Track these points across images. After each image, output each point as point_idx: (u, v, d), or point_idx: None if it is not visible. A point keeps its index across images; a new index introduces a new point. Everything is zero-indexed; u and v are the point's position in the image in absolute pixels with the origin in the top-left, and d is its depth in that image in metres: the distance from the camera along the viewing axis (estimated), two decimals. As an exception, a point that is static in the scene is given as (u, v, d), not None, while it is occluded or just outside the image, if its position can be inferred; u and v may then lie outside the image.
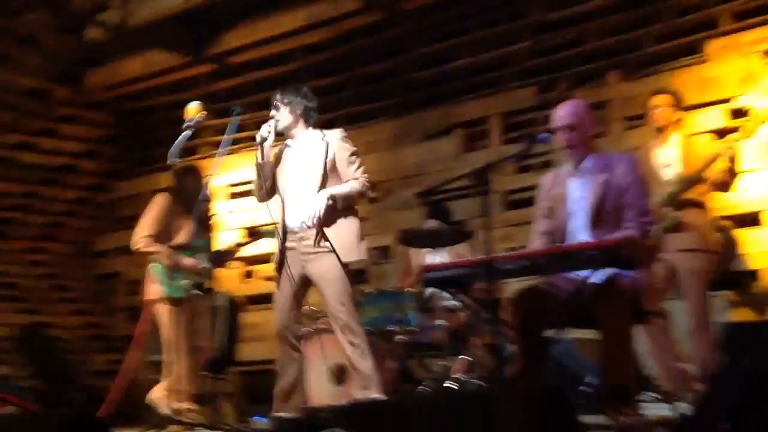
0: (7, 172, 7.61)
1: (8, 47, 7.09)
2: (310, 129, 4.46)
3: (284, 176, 4.46)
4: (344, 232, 4.35)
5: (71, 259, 8.01)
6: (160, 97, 7.94)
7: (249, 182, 7.39)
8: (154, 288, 5.04)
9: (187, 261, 5.07)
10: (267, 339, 7.10)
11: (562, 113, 3.78)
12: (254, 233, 5.61)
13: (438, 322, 4.94)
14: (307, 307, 5.35)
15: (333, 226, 4.34)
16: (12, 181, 7.63)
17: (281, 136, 4.47)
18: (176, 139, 4.66)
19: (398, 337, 4.89)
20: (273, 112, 4.44)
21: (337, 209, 4.32)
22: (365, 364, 4.14)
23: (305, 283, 4.45)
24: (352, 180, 4.34)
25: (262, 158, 4.39)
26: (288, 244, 4.39)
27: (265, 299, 7.30)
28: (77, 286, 8.02)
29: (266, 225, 5.34)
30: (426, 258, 5.43)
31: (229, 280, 7.34)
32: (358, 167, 4.37)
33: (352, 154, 4.38)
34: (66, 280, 8.00)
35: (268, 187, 4.50)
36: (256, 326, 7.19)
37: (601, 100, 6.15)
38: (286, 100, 4.41)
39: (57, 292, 7.93)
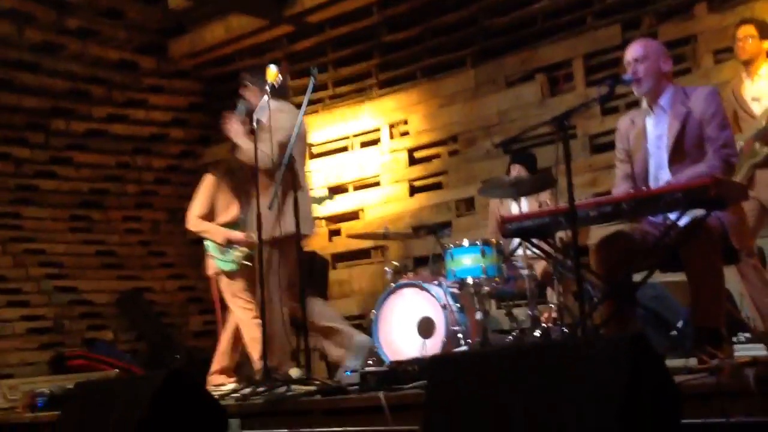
0: (101, 145, 7.87)
1: (95, 21, 7.27)
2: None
3: None
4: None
5: (165, 225, 8.25)
6: (242, 62, 8.02)
7: (330, 141, 7.54)
8: (211, 263, 5.35)
9: (237, 235, 5.29)
10: (354, 295, 7.20)
11: (631, 49, 3.66)
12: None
13: (523, 271, 4.87)
14: (393, 263, 5.40)
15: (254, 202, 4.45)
16: (106, 153, 7.88)
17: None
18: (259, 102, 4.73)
19: (484, 288, 4.85)
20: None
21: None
22: None
23: None
24: None
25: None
26: None
27: (352, 256, 7.39)
28: (172, 252, 8.27)
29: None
30: (509, 208, 5.35)
31: (316, 238, 7.43)
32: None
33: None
34: (161, 246, 8.26)
35: None
36: (344, 283, 7.29)
37: (689, 35, 5.88)
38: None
39: (153, 258, 8.20)
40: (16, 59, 7.04)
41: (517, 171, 5.48)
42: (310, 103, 4.97)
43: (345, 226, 7.43)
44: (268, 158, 4.44)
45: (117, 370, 6.55)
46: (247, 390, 4.15)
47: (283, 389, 3.98)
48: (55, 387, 5.39)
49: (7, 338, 7.03)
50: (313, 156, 7.67)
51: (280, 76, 4.81)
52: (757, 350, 3.80)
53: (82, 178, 7.62)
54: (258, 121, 4.62)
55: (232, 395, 4.24)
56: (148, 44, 7.81)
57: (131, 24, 7.52)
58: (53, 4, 6.91)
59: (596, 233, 4.73)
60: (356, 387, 3.83)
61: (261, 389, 4.07)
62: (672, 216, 3.36)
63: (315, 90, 5.04)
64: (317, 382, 4.15)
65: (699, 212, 3.26)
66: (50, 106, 7.46)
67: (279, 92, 4.62)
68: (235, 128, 4.61)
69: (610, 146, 5.50)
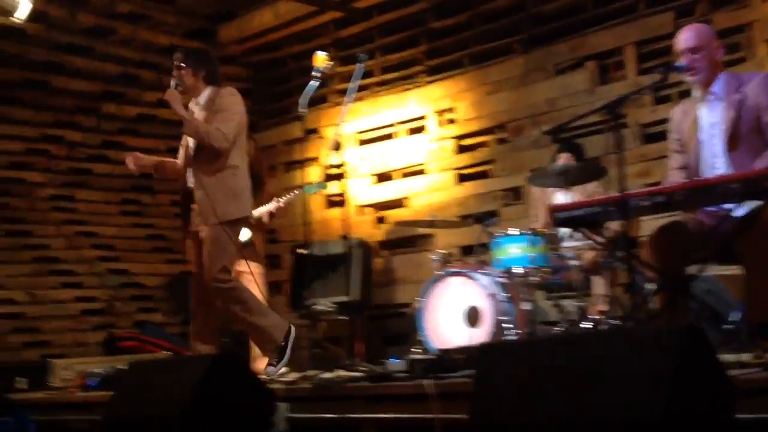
0: (151, 129, 7.97)
1: (146, 6, 7.35)
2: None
3: None
4: (210, 192, 4.45)
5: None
6: (289, 48, 8.06)
7: (376, 128, 7.54)
8: None
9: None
10: (399, 283, 7.21)
11: (684, 36, 3.59)
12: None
13: (572, 262, 4.83)
14: (439, 251, 5.40)
15: (204, 185, 4.47)
16: (156, 138, 7.98)
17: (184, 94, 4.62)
18: (305, 89, 4.74)
19: (532, 279, 4.82)
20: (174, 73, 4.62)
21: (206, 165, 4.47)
22: None
23: None
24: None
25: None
26: None
27: (396, 244, 7.39)
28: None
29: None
30: (557, 197, 5.31)
31: (362, 225, 7.46)
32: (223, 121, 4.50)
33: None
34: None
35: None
36: (389, 271, 7.29)
37: (743, 23, 5.75)
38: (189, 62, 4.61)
39: (202, 242, 8.29)
40: (69, 43, 7.16)
41: (564, 160, 5.43)
42: (357, 90, 4.99)
43: (390, 214, 7.43)
44: (224, 138, 4.47)
45: (166, 352, 6.66)
46: (296, 375, 4.20)
47: (330, 374, 4.02)
48: (107, 367, 5.51)
49: (61, 319, 7.18)
50: (360, 143, 7.68)
51: (329, 62, 4.84)
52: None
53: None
54: (197, 103, 4.66)
55: (281, 379, 4.30)
56: (197, 29, 7.87)
57: (181, 9, 7.59)
58: (107, -12, 7.02)
59: (647, 225, 4.67)
60: (403, 374, 3.84)
61: (309, 374, 4.11)
62: (728, 206, 3.31)
63: (361, 77, 5.05)
64: (364, 368, 4.18)
65: (756, 203, 3.20)
66: (101, 90, 7.57)
67: (212, 79, 4.66)
68: (178, 101, 4.56)
69: (662, 136, 5.42)
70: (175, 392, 3.57)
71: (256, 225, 5.50)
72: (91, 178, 7.62)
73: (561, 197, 4.95)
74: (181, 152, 4.74)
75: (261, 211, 5.50)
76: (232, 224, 4.52)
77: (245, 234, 5.30)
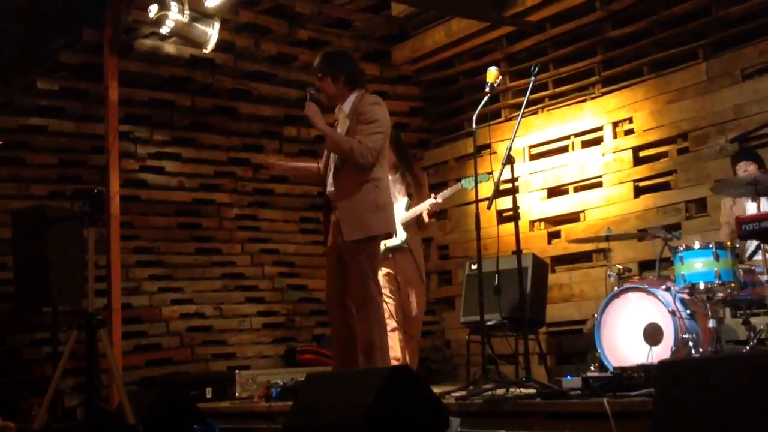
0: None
1: (324, 32, 7.64)
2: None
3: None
4: (352, 205, 4.33)
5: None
6: (461, 65, 8.10)
7: (549, 142, 7.41)
8: None
9: None
10: (574, 299, 7.03)
11: None
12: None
13: (762, 277, 4.52)
14: (616, 266, 5.21)
15: (347, 197, 4.33)
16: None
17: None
18: (478, 104, 4.73)
19: (717, 294, 4.55)
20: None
21: (349, 177, 4.33)
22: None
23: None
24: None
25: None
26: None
27: (571, 260, 7.22)
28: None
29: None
30: (745, 208, 4.99)
31: (535, 241, 7.35)
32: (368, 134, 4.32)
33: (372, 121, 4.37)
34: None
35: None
36: (563, 287, 7.13)
37: None
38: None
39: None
40: (254, 71, 7.55)
41: (744, 168, 5.12)
42: (529, 104, 4.92)
43: (565, 229, 7.27)
44: (369, 152, 4.31)
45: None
46: (468, 390, 4.18)
47: (502, 391, 3.97)
48: (287, 379, 5.73)
49: (245, 332, 7.55)
50: (532, 157, 7.58)
51: (500, 77, 4.81)
52: None
53: (311, 183, 8.02)
54: (341, 110, 4.52)
55: (453, 394, 4.29)
56: (372, 51, 8.09)
57: (357, 33, 7.83)
58: (286, 16, 7.34)
59: None
60: (578, 392, 3.74)
61: (481, 390, 4.08)
62: None
63: (534, 91, 4.98)
64: (538, 385, 4.10)
65: None
66: (284, 114, 7.93)
67: (354, 82, 4.50)
68: (318, 116, 4.39)
69: None
70: (351, 404, 3.65)
71: (414, 225, 5.50)
72: (273, 198, 7.98)
73: (751, 207, 4.64)
74: (323, 159, 4.62)
75: (418, 209, 5.47)
76: (374, 239, 4.43)
77: (397, 240, 5.33)
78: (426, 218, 5.50)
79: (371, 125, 4.35)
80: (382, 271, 5.30)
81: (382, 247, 5.26)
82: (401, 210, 5.44)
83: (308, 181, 4.88)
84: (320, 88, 4.51)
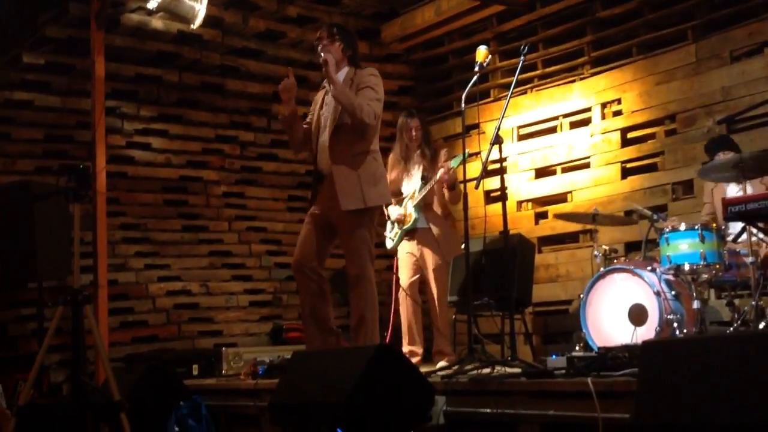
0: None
1: (313, 9, 7.58)
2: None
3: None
4: (352, 176, 4.40)
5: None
6: (451, 44, 8.07)
7: (538, 122, 7.41)
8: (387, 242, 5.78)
9: (393, 212, 5.58)
10: (561, 280, 7.06)
11: None
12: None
13: (747, 259, 4.54)
14: (603, 247, 5.23)
15: (345, 167, 4.38)
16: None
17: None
18: (467, 84, 4.72)
19: (702, 276, 4.58)
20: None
21: (346, 147, 4.39)
22: None
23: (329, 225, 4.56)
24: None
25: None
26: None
27: (557, 240, 7.24)
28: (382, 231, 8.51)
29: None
30: (726, 191, 5.01)
31: (522, 221, 7.36)
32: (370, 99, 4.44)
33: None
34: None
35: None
36: (550, 267, 7.16)
37: None
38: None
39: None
40: (242, 47, 7.50)
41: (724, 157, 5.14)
42: (519, 84, 4.90)
43: (552, 209, 7.28)
44: (374, 114, 4.45)
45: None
46: (453, 368, 4.21)
47: (488, 370, 4.00)
48: (274, 356, 5.75)
49: (232, 310, 7.55)
50: (520, 138, 7.58)
51: (489, 56, 4.81)
52: None
53: (299, 161, 7.97)
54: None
55: (438, 373, 4.32)
56: (361, 29, 8.03)
57: (346, 10, 7.77)
58: (275, -8, 7.30)
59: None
60: (563, 371, 3.77)
61: (467, 368, 4.11)
62: None
63: (524, 71, 4.97)
64: (523, 364, 4.13)
65: None
66: (272, 91, 7.87)
67: (354, 60, 4.63)
68: (334, 67, 4.45)
69: None
70: (337, 382, 3.67)
71: (435, 206, 5.62)
72: (260, 176, 7.95)
73: (733, 190, 4.67)
74: (308, 126, 4.68)
75: (427, 188, 5.57)
76: (372, 211, 4.49)
77: (411, 223, 5.47)
78: (446, 192, 5.56)
79: (373, 92, 4.48)
80: (403, 250, 5.62)
81: (398, 231, 5.36)
82: (413, 190, 5.64)
83: (296, 137, 4.79)
84: (329, 49, 4.55)
